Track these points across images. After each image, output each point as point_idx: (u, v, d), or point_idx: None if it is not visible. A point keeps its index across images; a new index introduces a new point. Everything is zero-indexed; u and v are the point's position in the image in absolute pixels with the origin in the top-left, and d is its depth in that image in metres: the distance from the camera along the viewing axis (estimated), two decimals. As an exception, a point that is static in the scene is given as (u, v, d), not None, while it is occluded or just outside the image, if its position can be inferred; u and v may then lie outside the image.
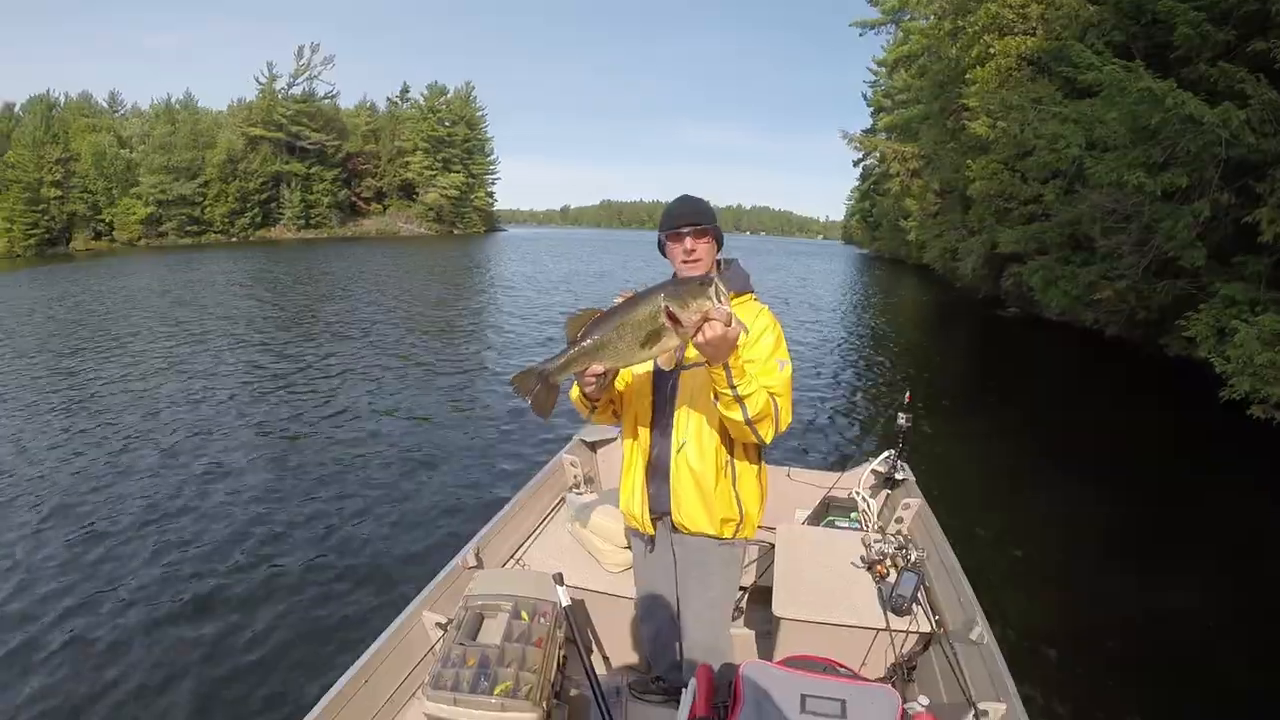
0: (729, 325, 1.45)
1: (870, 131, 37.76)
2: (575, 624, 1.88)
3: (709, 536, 1.99)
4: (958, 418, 8.25)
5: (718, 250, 1.98)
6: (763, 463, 2.09)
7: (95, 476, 5.80)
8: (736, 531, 2.02)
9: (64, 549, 4.54)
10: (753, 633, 2.79)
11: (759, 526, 3.05)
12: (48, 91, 57.67)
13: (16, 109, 58.03)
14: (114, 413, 7.63)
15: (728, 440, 1.93)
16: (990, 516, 5.23)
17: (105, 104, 61.04)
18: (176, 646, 3.51)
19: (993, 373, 11.93)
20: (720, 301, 1.43)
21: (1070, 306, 12.76)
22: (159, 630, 3.65)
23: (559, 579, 1.93)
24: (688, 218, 1.91)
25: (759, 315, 1.91)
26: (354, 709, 1.92)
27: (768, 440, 1.83)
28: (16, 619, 3.74)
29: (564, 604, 1.90)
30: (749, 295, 1.98)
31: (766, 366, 1.82)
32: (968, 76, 16.01)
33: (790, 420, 1.83)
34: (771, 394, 1.76)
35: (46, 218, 54.18)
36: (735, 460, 1.97)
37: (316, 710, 1.82)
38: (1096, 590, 4.38)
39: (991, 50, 14.78)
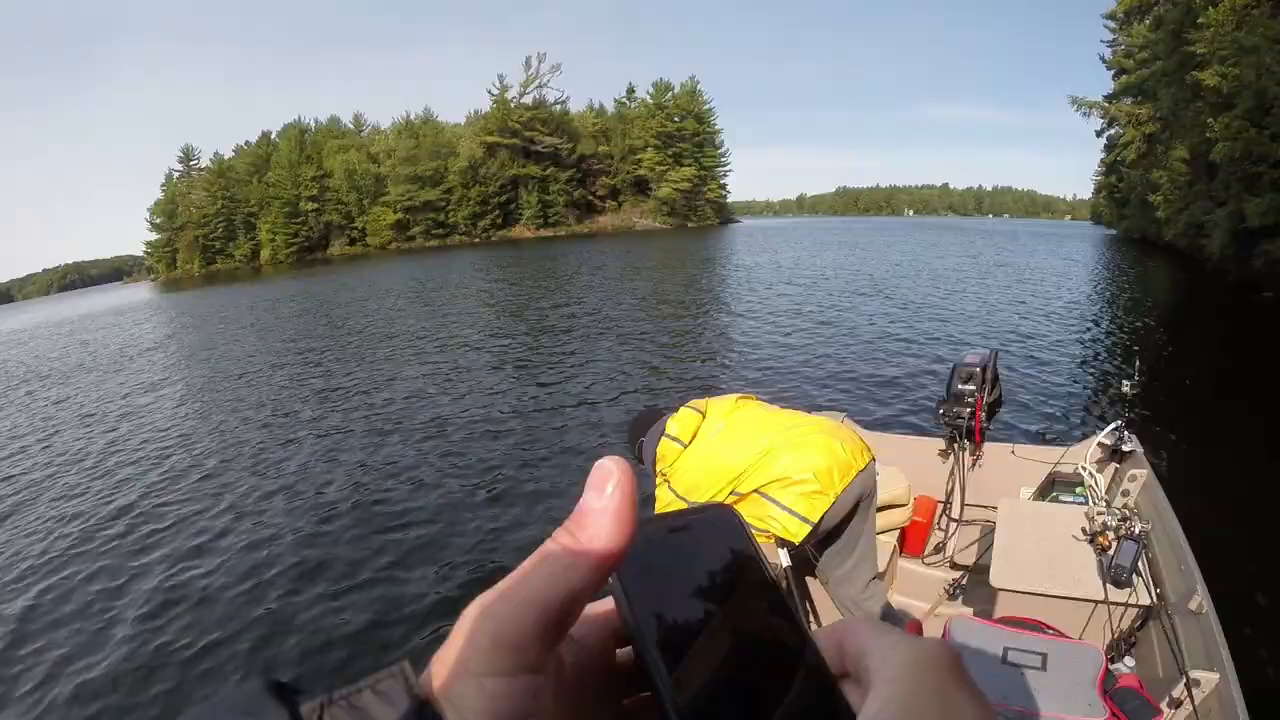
0: None
1: (1111, 97, 32.67)
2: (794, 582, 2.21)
3: None
4: (1190, 410, 7.27)
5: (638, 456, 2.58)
6: None
7: (367, 449, 7.25)
8: None
9: (323, 526, 5.46)
10: (971, 610, 2.87)
11: (979, 506, 3.31)
12: (298, 118, 66.81)
13: (273, 136, 67.08)
14: (389, 398, 9.36)
15: None
16: (1216, 508, 4.65)
17: (351, 125, 69.56)
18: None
19: (1237, 365, 10.09)
20: None
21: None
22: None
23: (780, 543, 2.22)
24: None
25: None
26: None
27: None
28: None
29: (785, 564, 2.17)
30: None
31: None
32: (1199, 20, 13.58)
33: None
34: None
35: (305, 228, 63.17)
36: None
37: None
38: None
39: (1223, -14, 12.49)
